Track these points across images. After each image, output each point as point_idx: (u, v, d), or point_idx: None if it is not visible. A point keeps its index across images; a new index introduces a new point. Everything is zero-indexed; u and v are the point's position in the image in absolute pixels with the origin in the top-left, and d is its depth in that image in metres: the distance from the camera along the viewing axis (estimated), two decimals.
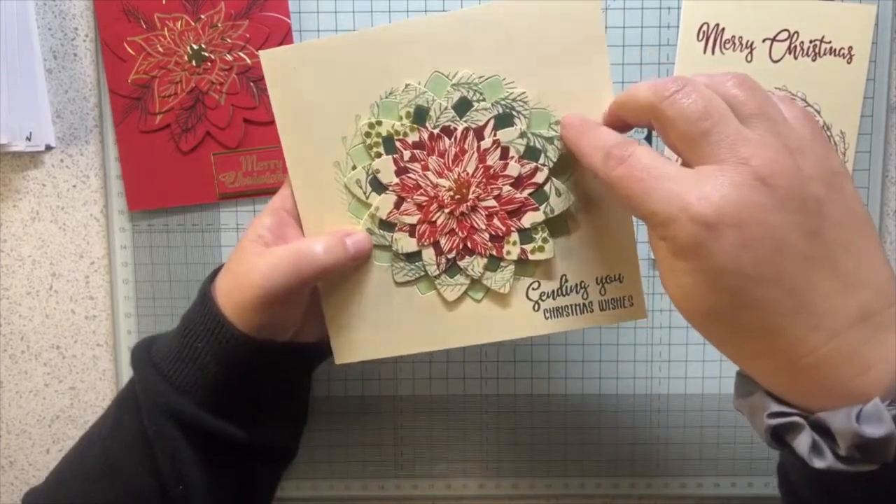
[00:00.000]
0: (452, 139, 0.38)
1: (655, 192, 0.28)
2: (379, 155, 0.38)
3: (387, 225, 0.39)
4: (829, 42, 0.47)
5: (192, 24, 0.47)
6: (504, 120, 0.38)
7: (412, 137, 0.38)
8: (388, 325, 0.40)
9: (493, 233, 0.38)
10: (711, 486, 0.51)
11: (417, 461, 0.52)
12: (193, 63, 0.47)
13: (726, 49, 0.47)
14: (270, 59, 0.38)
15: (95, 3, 0.47)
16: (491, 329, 0.40)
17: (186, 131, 0.48)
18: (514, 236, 0.39)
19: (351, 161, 0.39)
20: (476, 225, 0.39)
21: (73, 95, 0.49)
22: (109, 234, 0.50)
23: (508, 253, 0.39)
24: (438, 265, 0.39)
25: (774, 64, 0.47)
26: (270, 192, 0.48)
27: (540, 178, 0.38)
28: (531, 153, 0.38)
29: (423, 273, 0.39)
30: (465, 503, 0.52)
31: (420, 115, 0.38)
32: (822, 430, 0.26)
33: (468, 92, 0.38)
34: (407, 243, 0.39)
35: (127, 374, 0.50)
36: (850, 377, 0.26)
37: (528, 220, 0.38)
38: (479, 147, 0.38)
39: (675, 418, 0.51)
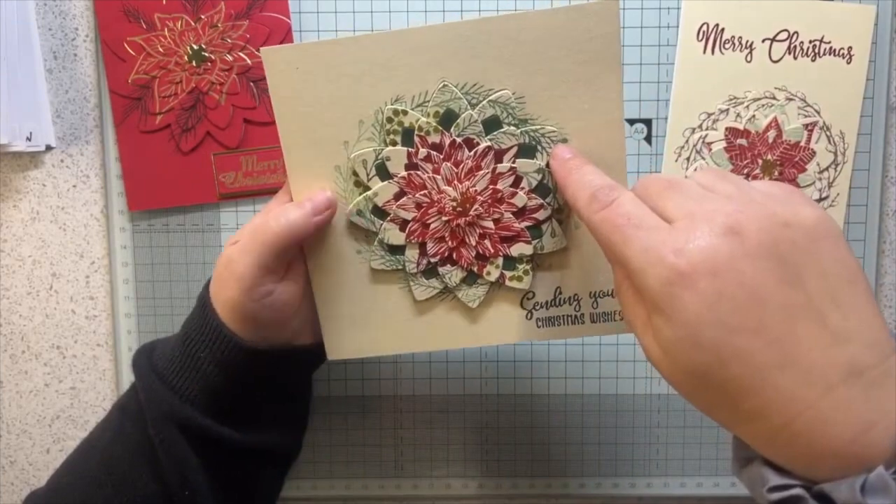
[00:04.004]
0: (472, 153, 0.38)
1: (632, 240, 0.28)
2: (395, 143, 0.38)
3: (379, 212, 0.39)
4: (829, 42, 0.47)
5: (193, 24, 0.47)
6: (527, 150, 0.38)
7: (433, 138, 0.37)
8: (376, 323, 0.40)
9: (480, 251, 0.39)
10: (711, 485, 0.51)
11: (417, 461, 0.52)
12: (193, 63, 0.47)
13: (726, 49, 0.47)
14: (272, 57, 0.37)
15: (95, 3, 0.47)
16: (483, 333, 0.40)
17: (186, 131, 0.48)
18: (499, 260, 0.39)
19: (363, 139, 0.38)
20: (467, 240, 0.39)
21: (73, 95, 0.49)
22: (109, 234, 0.50)
23: (488, 273, 0.39)
24: (418, 265, 0.39)
25: (774, 64, 0.47)
26: (271, 192, 0.48)
27: (542, 215, 0.38)
28: (542, 190, 0.38)
29: (400, 267, 0.39)
30: (465, 503, 0.52)
31: (448, 119, 0.37)
32: (827, 501, 0.25)
33: (502, 112, 0.37)
34: (395, 236, 0.39)
35: (127, 374, 0.50)
36: (850, 439, 0.25)
37: (516, 250, 0.39)
38: (494, 169, 0.38)
39: (675, 418, 0.51)
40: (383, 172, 0.38)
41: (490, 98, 0.37)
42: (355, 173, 0.38)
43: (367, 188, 0.38)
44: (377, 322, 0.40)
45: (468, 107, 0.37)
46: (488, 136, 0.37)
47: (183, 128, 0.48)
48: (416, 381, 0.51)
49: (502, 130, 0.37)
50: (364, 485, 0.52)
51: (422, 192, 0.38)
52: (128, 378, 0.51)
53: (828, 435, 0.25)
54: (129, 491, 0.38)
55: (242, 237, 0.37)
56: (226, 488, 0.40)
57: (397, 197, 0.38)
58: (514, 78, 0.37)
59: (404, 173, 0.38)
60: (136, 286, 0.50)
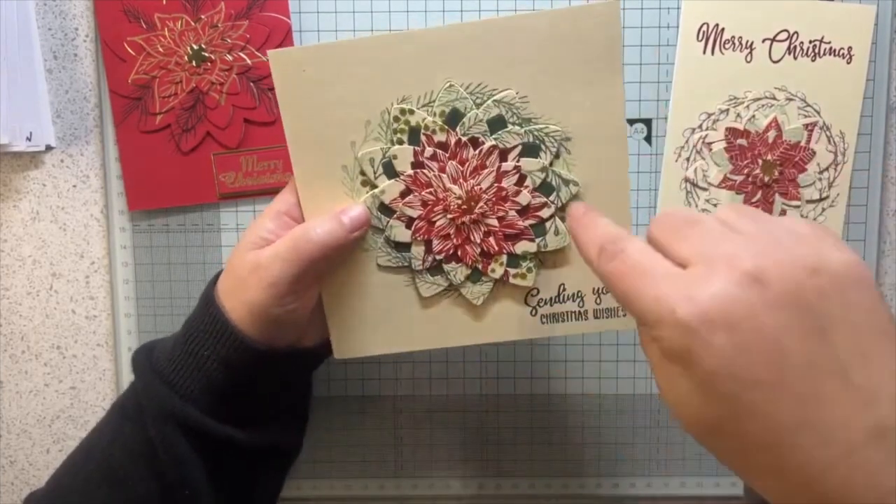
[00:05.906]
0: (477, 151, 0.38)
1: (643, 292, 0.27)
2: (401, 142, 0.38)
3: (386, 210, 0.39)
4: (829, 42, 0.47)
5: (193, 24, 0.47)
6: (531, 149, 0.38)
7: (439, 137, 0.38)
8: (382, 321, 0.40)
9: (485, 249, 0.39)
10: (712, 485, 0.51)
11: (417, 461, 0.52)
12: (193, 63, 0.47)
13: (726, 49, 0.47)
14: (279, 59, 0.37)
15: (95, 3, 0.47)
16: (488, 330, 0.41)
17: (186, 131, 0.48)
18: (503, 258, 0.39)
19: (369, 139, 0.38)
20: (472, 238, 0.39)
21: (73, 95, 0.49)
22: (110, 234, 0.50)
23: (493, 271, 0.39)
24: (424, 262, 0.39)
25: (774, 64, 0.47)
26: (271, 191, 0.49)
27: (545, 213, 0.39)
28: (545, 188, 0.38)
29: (406, 264, 0.40)
30: (465, 503, 0.52)
31: (454, 118, 0.38)
32: None
33: (506, 112, 0.38)
34: (401, 233, 0.39)
35: (127, 373, 0.50)
36: (873, 503, 0.23)
37: (520, 247, 0.39)
38: (499, 167, 0.38)
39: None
40: (390, 171, 0.38)
41: (495, 98, 0.37)
42: (363, 172, 0.39)
43: (374, 186, 0.39)
44: (383, 319, 0.40)
45: (473, 106, 0.38)
46: (493, 136, 0.38)
47: (183, 128, 0.48)
48: (416, 381, 0.51)
49: (507, 130, 0.38)
50: (364, 485, 0.52)
51: (428, 190, 0.38)
52: (128, 378, 0.51)
53: (848, 499, 0.24)
54: (128, 491, 0.38)
55: (280, 245, 0.37)
56: (225, 487, 0.40)
57: (403, 195, 0.39)
58: (518, 78, 0.37)
59: (410, 171, 0.38)
60: (136, 286, 0.50)
